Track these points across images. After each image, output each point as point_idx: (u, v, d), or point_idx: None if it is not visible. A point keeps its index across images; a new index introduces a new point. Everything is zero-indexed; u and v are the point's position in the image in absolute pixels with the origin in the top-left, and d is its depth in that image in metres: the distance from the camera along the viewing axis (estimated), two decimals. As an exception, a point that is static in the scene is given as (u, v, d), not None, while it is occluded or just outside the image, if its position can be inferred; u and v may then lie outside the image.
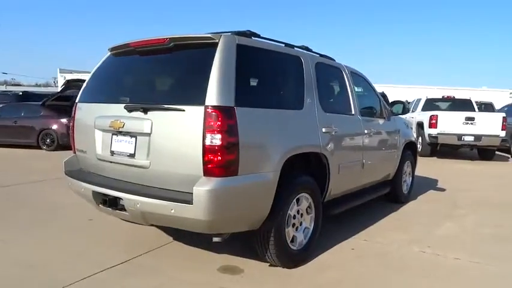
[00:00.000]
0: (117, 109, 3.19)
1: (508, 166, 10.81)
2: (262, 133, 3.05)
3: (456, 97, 12.60)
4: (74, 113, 3.73)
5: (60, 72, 36.64)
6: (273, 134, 3.13)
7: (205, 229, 2.90)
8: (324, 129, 3.71)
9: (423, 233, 4.57)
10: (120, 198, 3.06)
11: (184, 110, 2.81)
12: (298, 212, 3.49)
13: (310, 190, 3.57)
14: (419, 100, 13.02)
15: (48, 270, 3.30)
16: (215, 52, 2.88)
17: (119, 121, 3.14)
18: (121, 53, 3.61)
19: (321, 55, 4.26)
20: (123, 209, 3.09)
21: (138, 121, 3.03)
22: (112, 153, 3.28)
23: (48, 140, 11.30)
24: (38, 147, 11.36)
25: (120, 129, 3.14)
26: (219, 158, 2.70)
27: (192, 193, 2.73)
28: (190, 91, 2.94)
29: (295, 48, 3.85)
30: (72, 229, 4.37)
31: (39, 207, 5.23)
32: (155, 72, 3.36)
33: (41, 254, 3.65)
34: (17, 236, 4.08)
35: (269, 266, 3.45)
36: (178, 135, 2.85)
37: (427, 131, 10.95)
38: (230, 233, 3.07)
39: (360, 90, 4.81)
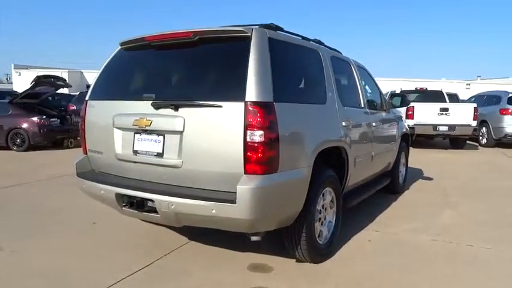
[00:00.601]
0: (142, 106, 3.04)
1: (478, 154, 11.34)
2: (297, 128, 3.01)
3: (428, 89, 13.04)
4: (85, 112, 3.52)
5: (14, 68, 34.60)
6: (306, 129, 3.10)
7: (246, 228, 2.83)
8: (343, 123, 3.72)
9: (428, 222, 4.69)
10: (150, 200, 2.93)
11: (221, 107, 2.71)
12: (323, 206, 3.48)
13: (333, 184, 3.57)
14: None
15: (75, 278, 3.12)
16: (249, 46, 2.80)
17: (145, 119, 2.99)
18: (136, 47, 3.43)
19: (331, 48, 4.25)
20: (152, 210, 2.96)
21: (168, 119, 2.90)
22: (135, 152, 3.13)
23: (18, 140, 10.67)
24: (7, 148, 10.71)
25: (147, 128, 2.99)
26: (261, 155, 2.64)
27: (233, 192, 2.66)
28: (227, 87, 2.84)
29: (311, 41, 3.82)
30: (79, 233, 4.16)
31: (34, 212, 4.93)
32: (182, 68, 3.22)
33: (57, 261, 3.44)
34: (23, 244, 3.82)
35: (296, 261, 3.44)
36: (215, 132, 2.75)
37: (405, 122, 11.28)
38: (266, 231, 3.01)
39: (363, 83, 4.86)
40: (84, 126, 3.52)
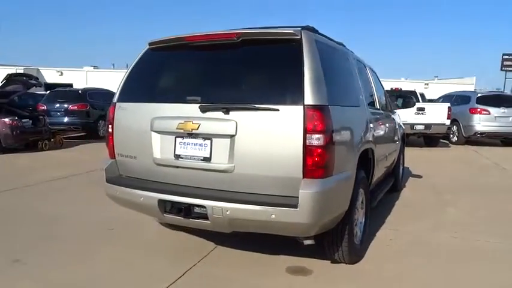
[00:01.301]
0: (187, 109, 2.94)
1: (452, 151, 11.91)
2: (346, 131, 3.03)
3: (403, 89, 13.53)
4: (113, 114, 3.35)
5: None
6: (351, 131, 3.13)
7: (302, 232, 2.82)
8: (371, 125, 3.79)
9: (437, 219, 4.87)
10: (199, 206, 2.84)
11: (278, 110, 2.68)
12: (356, 207, 3.53)
13: (364, 185, 3.63)
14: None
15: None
16: (301, 48, 2.78)
17: (191, 122, 2.89)
18: (170, 47, 3.31)
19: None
20: (201, 217, 2.87)
21: (218, 122, 2.82)
22: (177, 157, 3.02)
23: (-12, 143, 9.99)
24: (-25, 151, 10.01)
25: (193, 131, 2.90)
26: (320, 158, 2.63)
27: (292, 196, 2.64)
28: (282, 90, 2.79)
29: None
30: (96, 240, 3.96)
31: (38, 219, 4.63)
32: (227, 70, 3.13)
33: (84, 272, 3.26)
34: (41, 255, 3.59)
35: (330, 263, 3.46)
36: (271, 136, 2.71)
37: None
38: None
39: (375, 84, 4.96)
40: (112, 130, 3.36)
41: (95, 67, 44.77)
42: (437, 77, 43.80)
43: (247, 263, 3.48)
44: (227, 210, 2.73)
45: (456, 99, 13.68)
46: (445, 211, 5.27)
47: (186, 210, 2.89)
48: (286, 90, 2.77)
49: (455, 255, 3.75)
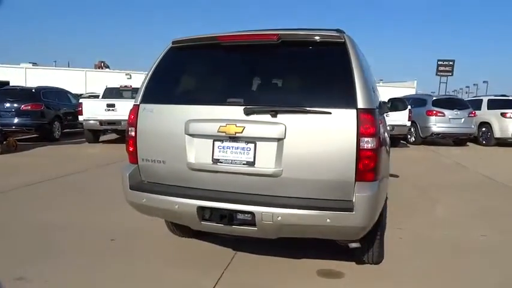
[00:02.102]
0: (229, 112, 2.82)
1: (412, 151, 12.57)
2: (384, 134, 3.07)
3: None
4: (136, 117, 3.14)
5: None
6: (386, 134, 3.17)
7: (355, 236, 2.80)
8: (387, 127, 3.87)
9: (431, 217, 5.11)
10: (245, 213, 2.73)
11: (330, 113, 2.64)
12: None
13: (384, 187, 3.69)
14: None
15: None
16: (347, 51, 2.78)
17: (235, 125, 2.77)
18: (198, 47, 3.16)
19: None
20: (246, 223, 2.76)
21: (266, 126, 2.74)
22: (215, 162, 2.89)
23: None
24: None
25: (237, 135, 2.78)
26: (372, 162, 2.64)
27: (345, 200, 2.64)
28: (334, 93, 2.76)
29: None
30: (103, 252, 3.69)
31: (32, 231, 4.23)
32: (270, 71, 3.04)
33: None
34: (48, 270, 3.27)
35: (356, 264, 3.48)
36: (322, 139, 2.67)
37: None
38: None
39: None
40: (135, 133, 3.14)
41: (34, 64, 42.09)
42: (382, 80, 45.99)
43: (274, 269, 3.41)
44: (278, 216, 2.65)
45: (413, 102, 14.43)
46: (435, 209, 5.53)
47: (229, 217, 2.77)
48: (337, 93, 2.74)
49: (461, 250, 3.95)
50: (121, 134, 12.51)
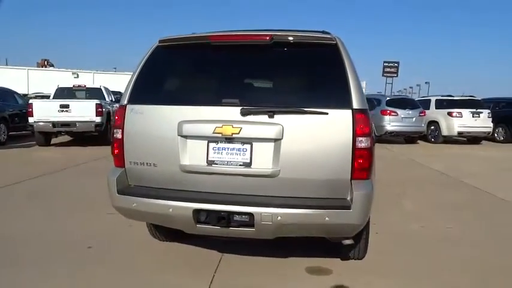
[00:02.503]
0: (224, 113, 2.80)
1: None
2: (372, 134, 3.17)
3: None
4: (123, 118, 3.03)
5: None
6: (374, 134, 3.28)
7: (350, 233, 2.88)
8: None
9: (400, 210, 5.38)
10: (244, 214, 2.72)
11: (327, 114, 2.70)
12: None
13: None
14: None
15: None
16: (340, 53, 2.86)
17: (231, 126, 2.75)
18: (187, 46, 3.10)
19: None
20: (243, 225, 2.75)
21: (263, 126, 2.74)
22: (210, 163, 2.85)
23: None
24: None
25: (234, 136, 2.76)
26: (367, 160, 2.73)
27: (341, 198, 2.71)
28: (330, 94, 2.82)
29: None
30: (83, 262, 3.51)
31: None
32: (264, 72, 3.03)
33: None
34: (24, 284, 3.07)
35: (341, 260, 3.58)
36: (318, 139, 2.73)
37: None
38: None
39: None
40: (122, 135, 3.03)
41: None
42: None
43: (264, 268, 3.43)
44: (278, 216, 2.67)
45: (368, 102, 14.99)
46: (402, 204, 5.80)
47: (226, 219, 2.75)
48: (333, 94, 2.81)
49: (435, 241, 4.21)
50: (75, 136, 11.96)
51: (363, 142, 2.70)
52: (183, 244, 3.86)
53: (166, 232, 3.77)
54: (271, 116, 2.74)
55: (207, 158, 2.86)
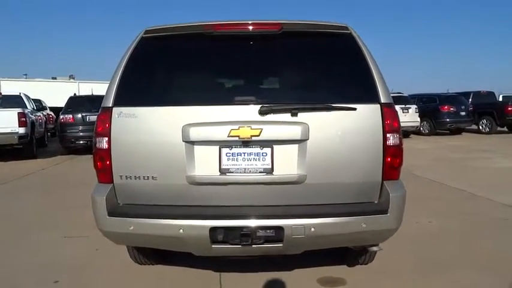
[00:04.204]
0: (240, 112, 2.41)
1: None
2: None
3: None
4: (109, 125, 2.49)
5: None
6: None
7: (384, 239, 2.63)
8: None
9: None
10: (270, 228, 2.36)
11: (355, 109, 2.44)
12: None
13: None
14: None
15: None
16: (357, 43, 2.62)
17: (249, 128, 2.37)
18: (186, 36, 2.64)
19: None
20: (269, 241, 2.39)
21: (287, 126, 2.40)
22: (224, 172, 2.44)
23: None
24: None
25: (253, 138, 2.38)
26: (398, 159, 2.52)
27: (377, 202, 2.51)
28: (356, 88, 2.55)
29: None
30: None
31: None
32: (277, 65, 2.66)
33: None
34: None
35: (347, 267, 3.36)
36: (346, 138, 2.45)
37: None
38: None
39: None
40: (109, 145, 2.49)
41: None
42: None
43: (273, 283, 3.09)
44: (311, 228, 2.35)
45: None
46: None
47: (249, 236, 2.36)
48: (359, 88, 2.55)
49: (430, 237, 4.16)
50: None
51: (393, 139, 2.48)
52: (172, 266, 3.36)
53: (150, 253, 3.25)
54: (294, 114, 2.41)
55: (220, 166, 2.45)
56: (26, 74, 29.65)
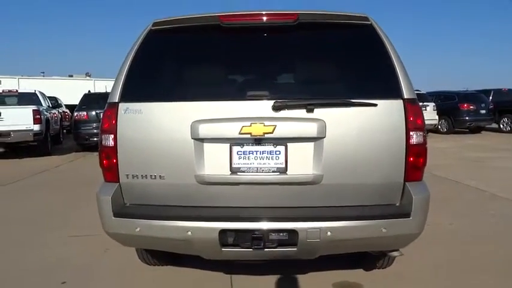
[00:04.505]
0: (252, 108, 2.27)
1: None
2: None
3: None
4: (115, 121, 2.38)
5: None
6: None
7: (404, 244, 2.47)
8: None
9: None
10: (284, 231, 2.23)
11: (376, 105, 2.28)
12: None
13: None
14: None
15: None
16: (378, 34, 2.45)
17: (263, 125, 2.23)
18: (196, 28, 2.51)
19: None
20: (282, 244, 2.25)
21: (303, 123, 2.25)
22: (235, 171, 2.31)
23: None
24: None
25: (267, 136, 2.24)
26: (421, 158, 2.35)
27: (394, 204, 2.33)
28: (377, 82, 2.39)
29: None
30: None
31: None
32: (292, 58, 2.52)
33: None
34: None
35: (364, 271, 3.20)
36: (367, 136, 2.29)
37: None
38: None
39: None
40: (115, 142, 2.38)
41: None
42: (43, 73, 41.76)
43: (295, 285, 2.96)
44: (327, 231, 2.20)
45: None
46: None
47: (262, 239, 2.22)
48: (380, 82, 2.39)
49: (450, 239, 3.97)
50: (9, 147, 10.51)
51: (417, 137, 2.31)
52: (181, 268, 3.25)
53: (160, 254, 3.14)
54: (310, 110, 2.26)
55: (231, 165, 2.32)
56: (43, 72, 29.93)
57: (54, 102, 14.89)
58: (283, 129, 2.24)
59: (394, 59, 2.38)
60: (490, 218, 4.64)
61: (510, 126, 16.27)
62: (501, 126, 16.57)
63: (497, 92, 18.18)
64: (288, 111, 2.26)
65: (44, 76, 29.79)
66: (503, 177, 7.16)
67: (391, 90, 2.32)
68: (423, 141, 2.33)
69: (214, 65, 2.55)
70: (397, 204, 2.34)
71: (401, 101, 2.30)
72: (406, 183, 2.32)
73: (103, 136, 2.42)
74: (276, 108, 2.25)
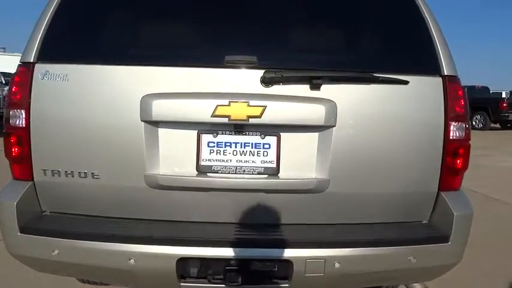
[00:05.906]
0: (233, 80, 1.55)
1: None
2: None
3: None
4: (28, 89, 1.60)
5: None
6: None
7: (436, 276, 1.81)
8: None
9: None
10: (271, 261, 1.53)
11: (407, 83, 1.60)
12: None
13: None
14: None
15: None
16: (417, 3, 1.76)
17: (247, 104, 1.52)
18: None
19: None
20: (269, 277, 1.57)
21: (305, 104, 1.55)
22: (204, 171, 1.59)
23: None
24: None
25: (252, 121, 1.53)
26: (464, 159, 1.70)
27: (421, 221, 1.71)
28: (407, 52, 1.71)
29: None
30: None
31: None
32: (294, 10, 1.77)
33: None
34: None
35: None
36: (391, 126, 1.62)
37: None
38: None
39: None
40: (27, 122, 1.60)
41: None
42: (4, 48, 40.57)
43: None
44: (336, 262, 1.52)
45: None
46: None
47: (239, 271, 1.53)
48: (413, 52, 1.71)
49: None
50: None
51: (458, 129, 1.66)
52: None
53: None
54: (316, 87, 1.56)
55: (198, 162, 1.59)
56: (4, 48, 27.94)
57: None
58: (275, 113, 1.53)
59: (431, 24, 1.70)
60: (489, 224, 4.15)
61: (482, 123, 16.26)
62: (474, 123, 16.52)
63: (471, 88, 18.16)
64: (283, 87, 1.55)
65: (4, 52, 27.77)
66: (490, 177, 6.85)
67: (427, 64, 1.66)
68: (466, 135, 1.68)
69: (177, 15, 1.77)
70: (425, 222, 1.71)
71: (440, 78, 1.64)
72: (442, 193, 1.67)
73: (10, 112, 1.63)
74: (266, 81, 1.54)
